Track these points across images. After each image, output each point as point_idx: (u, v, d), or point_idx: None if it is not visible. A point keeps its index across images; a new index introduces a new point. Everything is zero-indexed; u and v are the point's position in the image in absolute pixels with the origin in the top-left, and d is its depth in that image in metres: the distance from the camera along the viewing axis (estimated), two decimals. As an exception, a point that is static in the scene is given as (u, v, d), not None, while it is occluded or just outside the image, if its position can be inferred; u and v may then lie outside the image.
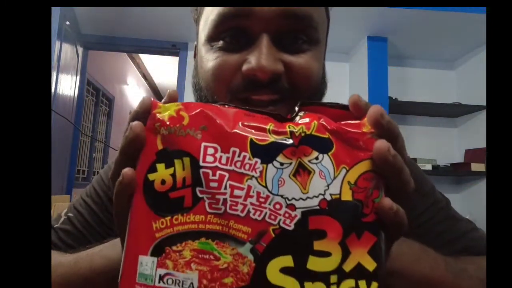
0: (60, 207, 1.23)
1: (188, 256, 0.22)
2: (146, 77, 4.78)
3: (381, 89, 1.97)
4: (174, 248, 0.22)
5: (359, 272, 0.21)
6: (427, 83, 2.29)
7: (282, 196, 0.22)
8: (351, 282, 0.21)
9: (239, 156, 0.22)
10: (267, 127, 0.23)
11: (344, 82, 2.27)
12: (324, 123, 0.23)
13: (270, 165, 0.22)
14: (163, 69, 4.44)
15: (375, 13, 1.75)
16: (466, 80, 2.21)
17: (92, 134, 3.28)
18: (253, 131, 0.22)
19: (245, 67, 0.32)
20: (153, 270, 0.22)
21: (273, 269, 0.21)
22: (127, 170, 0.23)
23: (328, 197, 0.22)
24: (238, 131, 0.22)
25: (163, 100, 0.25)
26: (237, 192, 0.22)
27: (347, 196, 0.22)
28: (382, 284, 0.22)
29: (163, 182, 0.22)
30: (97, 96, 3.33)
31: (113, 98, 3.75)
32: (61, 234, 0.44)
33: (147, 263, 0.22)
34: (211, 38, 0.35)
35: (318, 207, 0.21)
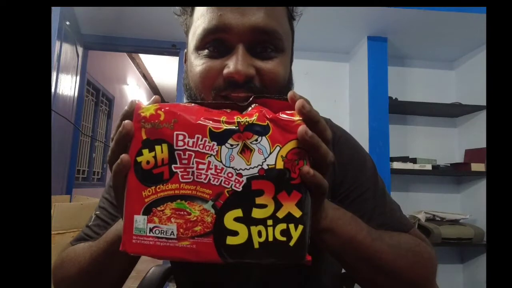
0: (60, 207, 1.23)
1: (169, 213, 0.30)
2: (146, 77, 4.78)
3: (381, 89, 1.97)
4: (159, 208, 0.30)
5: (289, 218, 0.30)
6: (427, 83, 2.28)
7: (233, 167, 0.30)
8: (283, 225, 0.30)
9: (201, 140, 0.30)
10: (221, 119, 0.31)
11: (344, 82, 2.27)
12: (265, 113, 0.31)
13: (223, 146, 0.30)
14: (163, 69, 4.44)
15: (375, 13, 1.75)
16: (466, 80, 2.21)
17: (92, 134, 3.28)
18: (211, 122, 0.31)
19: (225, 71, 0.41)
20: (144, 225, 0.30)
21: (229, 219, 0.30)
22: (124, 156, 0.30)
23: (265, 167, 0.30)
24: (200, 122, 0.31)
25: (147, 103, 0.33)
26: (201, 166, 0.30)
27: (279, 165, 0.30)
28: (306, 227, 0.30)
29: (147, 162, 0.30)
30: (97, 96, 3.33)
31: (113, 98, 3.75)
32: (94, 229, 0.53)
33: (140, 220, 0.30)
34: (198, 48, 0.43)
35: (257, 174, 0.30)
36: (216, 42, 0.42)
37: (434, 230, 1.81)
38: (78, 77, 2.11)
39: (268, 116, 0.31)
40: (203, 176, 0.30)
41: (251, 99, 0.33)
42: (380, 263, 0.40)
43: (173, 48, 2.20)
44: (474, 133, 2.09)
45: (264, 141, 0.30)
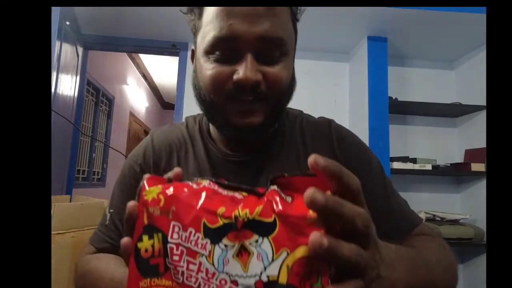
0: (60, 207, 1.23)
1: None
2: (146, 77, 4.78)
3: (381, 89, 1.97)
4: None
5: None
6: (427, 83, 2.28)
7: (226, 273, 0.24)
8: None
9: (194, 235, 0.26)
10: (218, 211, 0.26)
11: (344, 82, 2.27)
12: (273, 205, 0.24)
13: (217, 246, 0.25)
14: (163, 69, 4.44)
15: (375, 13, 1.75)
16: (466, 80, 2.21)
17: (92, 134, 3.27)
18: (207, 214, 0.26)
19: (235, 77, 0.44)
20: None
21: None
22: (124, 239, 0.30)
23: (264, 278, 0.23)
24: (196, 214, 0.26)
25: (167, 175, 0.31)
26: (191, 266, 0.26)
27: (283, 278, 0.23)
28: None
29: (146, 250, 0.28)
30: (97, 96, 3.33)
31: (113, 98, 3.75)
32: (111, 227, 0.55)
33: None
34: (208, 52, 0.46)
35: (254, 287, 0.24)
36: (226, 49, 0.45)
37: (434, 230, 1.81)
38: (78, 77, 2.11)
39: (276, 209, 0.24)
40: (193, 280, 0.25)
41: (269, 182, 0.27)
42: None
43: (173, 48, 2.20)
44: (474, 133, 2.09)
45: (266, 244, 0.24)
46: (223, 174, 0.53)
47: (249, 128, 0.46)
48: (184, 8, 0.53)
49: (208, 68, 0.46)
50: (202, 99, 0.49)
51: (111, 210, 0.56)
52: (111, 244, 0.54)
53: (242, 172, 0.53)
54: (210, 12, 0.45)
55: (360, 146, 0.57)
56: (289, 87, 0.49)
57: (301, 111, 0.63)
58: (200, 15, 0.48)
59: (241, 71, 0.43)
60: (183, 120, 0.65)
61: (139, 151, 0.58)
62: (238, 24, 0.43)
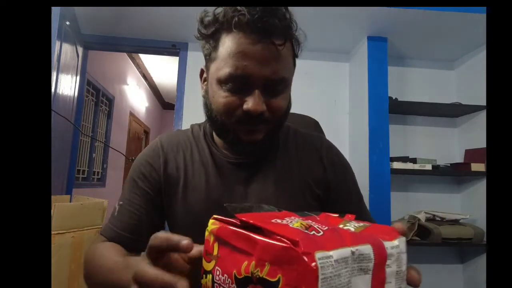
0: (60, 207, 1.23)
1: None
2: (146, 77, 4.78)
3: (381, 89, 1.97)
4: None
5: None
6: (427, 83, 2.28)
7: None
8: None
9: (227, 280, 0.29)
10: (243, 264, 0.28)
11: (344, 82, 2.27)
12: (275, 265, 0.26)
13: None
14: (163, 69, 4.44)
15: (375, 13, 1.75)
16: (466, 80, 2.21)
17: (92, 134, 3.27)
18: (236, 264, 0.29)
19: (245, 106, 0.54)
20: None
21: None
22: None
23: None
24: (229, 263, 0.30)
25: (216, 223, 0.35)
26: None
27: None
28: None
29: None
30: (97, 96, 3.33)
31: (113, 98, 3.75)
32: (121, 218, 0.61)
33: None
34: (221, 82, 0.55)
35: None
36: (238, 83, 0.54)
37: (434, 230, 1.81)
38: (78, 77, 2.11)
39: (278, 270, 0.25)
40: None
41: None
42: None
43: (173, 48, 2.19)
44: (474, 133, 2.09)
45: None
46: (224, 173, 0.62)
47: (253, 143, 0.57)
48: (197, 34, 0.60)
49: (222, 95, 0.55)
50: (214, 120, 0.58)
51: (121, 203, 0.62)
52: (116, 233, 0.60)
53: (239, 172, 0.62)
54: (226, 48, 0.53)
55: (343, 159, 0.70)
56: (286, 110, 0.59)
57: (292, 124, 0.74)
58: (216, 48, 0.56)
59: (250, 103, 0.53)
60: (183, 120, 0.71)
61: (149, 150, 0.66)
62: (251, 65, 0.52)
